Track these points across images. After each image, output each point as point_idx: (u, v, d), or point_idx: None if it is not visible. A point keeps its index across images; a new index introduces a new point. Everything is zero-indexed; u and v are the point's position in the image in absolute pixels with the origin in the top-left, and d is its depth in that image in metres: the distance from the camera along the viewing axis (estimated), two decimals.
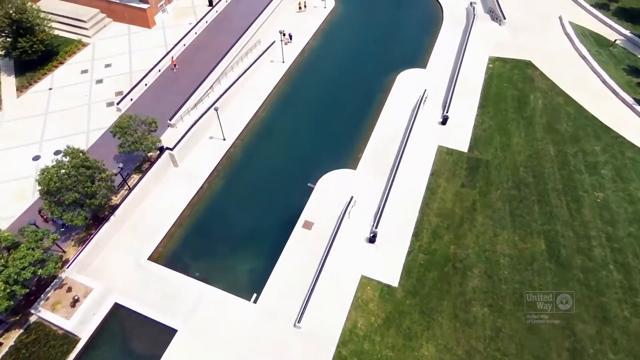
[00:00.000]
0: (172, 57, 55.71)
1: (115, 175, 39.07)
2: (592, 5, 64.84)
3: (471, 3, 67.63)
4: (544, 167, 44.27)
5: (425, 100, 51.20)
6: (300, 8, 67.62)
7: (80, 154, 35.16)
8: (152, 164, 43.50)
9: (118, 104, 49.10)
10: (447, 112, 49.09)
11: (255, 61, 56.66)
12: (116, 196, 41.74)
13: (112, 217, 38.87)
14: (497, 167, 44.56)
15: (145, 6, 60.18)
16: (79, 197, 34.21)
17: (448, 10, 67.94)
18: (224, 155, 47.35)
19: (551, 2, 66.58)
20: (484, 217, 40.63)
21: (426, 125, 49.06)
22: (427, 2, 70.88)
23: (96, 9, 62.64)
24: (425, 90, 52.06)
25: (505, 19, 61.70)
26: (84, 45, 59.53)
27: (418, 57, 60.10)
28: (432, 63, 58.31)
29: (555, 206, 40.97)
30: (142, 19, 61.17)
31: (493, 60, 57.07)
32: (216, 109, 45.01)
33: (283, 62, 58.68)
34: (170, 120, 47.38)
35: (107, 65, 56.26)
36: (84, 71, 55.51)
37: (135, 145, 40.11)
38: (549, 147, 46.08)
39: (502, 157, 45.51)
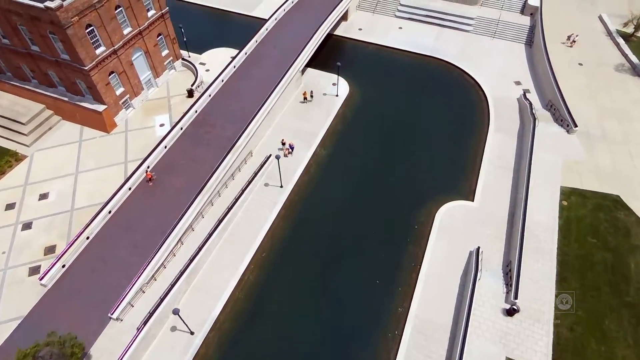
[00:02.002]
0: (147, 170, 41.09)
1: None
2: None
3: (524, 93, 52.82)
4: None
5: (481, 269, 36.05)
6: (305, 99, 52.90)
7: None
8: None
9: (42, 277, 34.19)
10: (515, 297, 33.85)
11: (244, 189, 42.02)
12: None
13: None
14: None
15: (100, 107, 45.62)
16: None
17: (494, 102, 53.00)
18: None
19: (628, 92, 51.60)
20: None
21: (485, 316, 33.84)
22: (466, 88, 55.91)
23: (42, 104, 48.30)
24: (480, 249, 36.97)
25: (576, 126, 46.51)
26: (19, 159, 45.08)
27: (461, 178, 45.13)
28: (481, 191, 43.29)
29: None
30: (98, 122, 46.66)
31: (567, 194, 41.84)
32: (176, 312, 29.99)
33: (281, 186, 43.88)
34: (112, 313, 32.40)
35: (43, 197, 41.69)
36: (10, 206, 40.99)
37: None
38: None
39: None
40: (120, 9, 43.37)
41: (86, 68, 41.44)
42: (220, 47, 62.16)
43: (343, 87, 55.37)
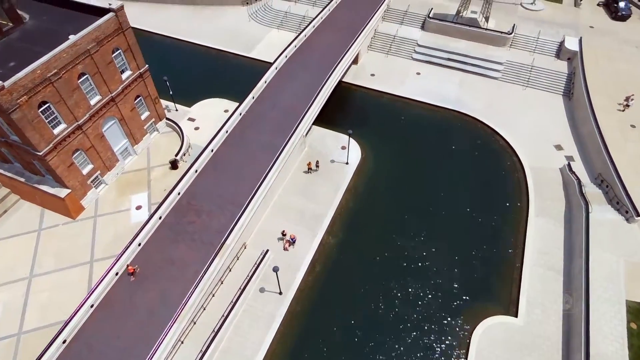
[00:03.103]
0: (128, 264, 33.30)
1: None
2: None
3: (569, 163, 44.74)
4: None
5: None
6: (310, 169, 44.98)
7: None
8: None
9: None
10: None
11: (235, 302, 34.17)
12: None
13: None
14: None
15: (63, 192, 37.75)
16: None
17: (533, 174, 45.02)
18: None
19: None
20: None
21: None
22: (498, 153, 47.80)
23: None
24: None
25: (638, 215, 38.35)
26: None
27: (499, 281, 37.16)
28: (525, 303, 35.29)
29: None
30: (61, 208, 38.85)
31: (635, 312, 33.65)
32: None
33: (280, 293, 35.95)
34: None
35: None
36: None
37: None
38: None
39: None
40: (85, 76, 35.49)
41: (40, 153, 33.60)
42: (213, 96, 54.27)
43: (354, 152, 47.44)
